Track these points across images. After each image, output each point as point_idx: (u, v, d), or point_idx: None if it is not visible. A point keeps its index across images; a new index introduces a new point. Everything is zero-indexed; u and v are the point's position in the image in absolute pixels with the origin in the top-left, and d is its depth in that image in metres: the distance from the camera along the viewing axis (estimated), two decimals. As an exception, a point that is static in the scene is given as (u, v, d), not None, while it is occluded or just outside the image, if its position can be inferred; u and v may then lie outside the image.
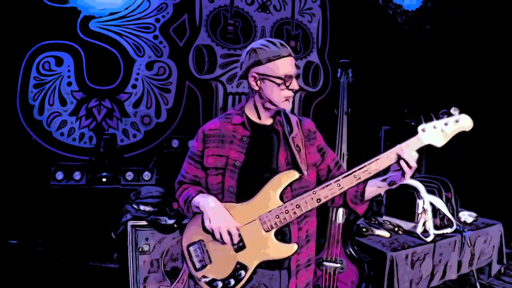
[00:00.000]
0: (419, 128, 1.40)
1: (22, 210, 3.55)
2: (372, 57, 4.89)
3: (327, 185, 1.44)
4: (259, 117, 1.57)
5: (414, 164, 1.38)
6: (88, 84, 4.05)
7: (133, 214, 2.76)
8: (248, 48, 1.51)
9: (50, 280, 3.15)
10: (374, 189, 1.54)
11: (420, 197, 2.79)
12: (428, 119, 1.40)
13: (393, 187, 1.49)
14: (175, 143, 4.07)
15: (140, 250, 2.61)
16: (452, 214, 2.92)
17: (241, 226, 1.45)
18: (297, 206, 1.43)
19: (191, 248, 1.50)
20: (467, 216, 3.21)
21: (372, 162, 1.42)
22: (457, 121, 1.39)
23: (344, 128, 2.57)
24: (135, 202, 2.89)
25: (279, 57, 1.45)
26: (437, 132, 1.39)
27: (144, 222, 2.65)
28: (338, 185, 1.43)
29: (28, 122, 3.83)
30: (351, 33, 4.97)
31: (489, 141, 4.19)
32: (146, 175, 3.68)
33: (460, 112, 1.39)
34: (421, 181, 2.86)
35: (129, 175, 3.62)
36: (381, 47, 5.01)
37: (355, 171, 1.42)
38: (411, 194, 2.83)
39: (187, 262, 1.50)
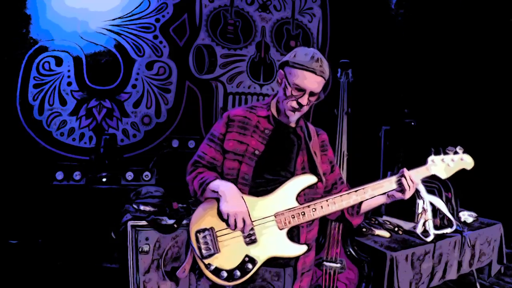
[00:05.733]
0: (429, 159, 1.59)
1: (22, 210, 3.55)
2: (372, 57, 4.88)
3: (342, 195, 1.53)
4: (279, 115, 1.62)
5: (411, 183, 1.55)
6: (88, 84, 4.04)
7: (133, 214, 2.76)
8: (300, 47, 1.58)
9: (50, 280, 3.15)
10: (371, 201, 1.62)
11: (420, 197, 2.79)
12: (437, 152, 1.60)
13: (388, 201, 1.63)
14: (175, 143, 4.07)
15: (140, 250, 2.61)
16: (452, 214, 2.93)
17: (256, 220, 1.46)
18: (314, 209, 1.49)
19: (200, 235, 1.47)
20: (467, 216, 3.22)
21: (386, 180, 1.56)
22: (462, 159, 1.60)
23: (344, 128, 2.58)
24: (135, 202, 2.89)
25: (303, 68, 1.47)
26: (443, 165, 1.59)
27: (144, 222, 2.65)
28: (356, 195, 1.53)
29: (28, 122, 3.83)
30: (351, 33, 4.97)
31: (489, 140, 4.19)
32: (146, 175, 3.68)
33: (464, 151, 1.61)
34: (421, 181, 2.86)
35: (129, 175, 3.62)
36: (381, 47, 5.01)
37: (372, 185, 1.55)
38: (411, 194, 2.83)
39: (193, 248, 1.47)
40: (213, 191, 1.48)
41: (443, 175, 1.59)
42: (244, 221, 1.42)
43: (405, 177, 1.54)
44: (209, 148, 1.61)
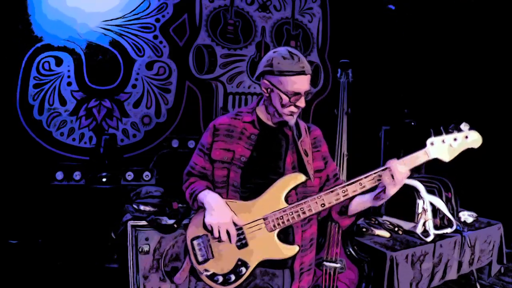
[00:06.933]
0: (428, 141, 1.38)
1: (22, 210, 3.55)
2: (372, 57, 4.88)
3: (332, 191, 1.47)
4: (273, 117, 1.59)
5: (398, 177, 1.38)
6: (88, 84, 4.04)
7: (133, 214, 2.76)
8: (271, 52, 1.51)
9: (50, 280, 3.15)
10: (360, 202, 1.55)
11: (420, 197, 2.79)
12: (438, 133, 1.38)
13: (378, 202, 1.50)
14: (175, 143, 4.07)
15: (140, 250, 2.61)
16: (452, 214, 2.93)
17: (245, 224, 1.47)
18: (302, 209, 1.47)
19: (195, 242, 1.53)
20: (467, 216, 3.22)
21: (378, 171, 1.46)
22: (466, 137, 1.37)
23: (344, 128, 2.58)
24: (135, 202, 2.89)
25: (291, 73, 1.43)
26: (445, 146, 1.36)
27: (144, 222, 2.65)
28: (344, 191, 1.46)
29: (28, 122, 3.83)
30: (351, 33, 4.97)
31: (489, 140, 4.19)
32: (146, 175, 3.68)
33: (470, 128, 1.37)
34: (421, 181, 2.86)
35: (129, 175, 3.62)
36: (381, 47, 5.01)
37: (360, 179, 1.46)
38: (411, 194, 2.84)
39: (190, 255, 1.53)
40: (201, 202, 1.52)
41: (446, 157, 1.37)
42: (228, 232, 1.44)
43: (389, 170, 1.39)
44: (198, 158, 1.65)
